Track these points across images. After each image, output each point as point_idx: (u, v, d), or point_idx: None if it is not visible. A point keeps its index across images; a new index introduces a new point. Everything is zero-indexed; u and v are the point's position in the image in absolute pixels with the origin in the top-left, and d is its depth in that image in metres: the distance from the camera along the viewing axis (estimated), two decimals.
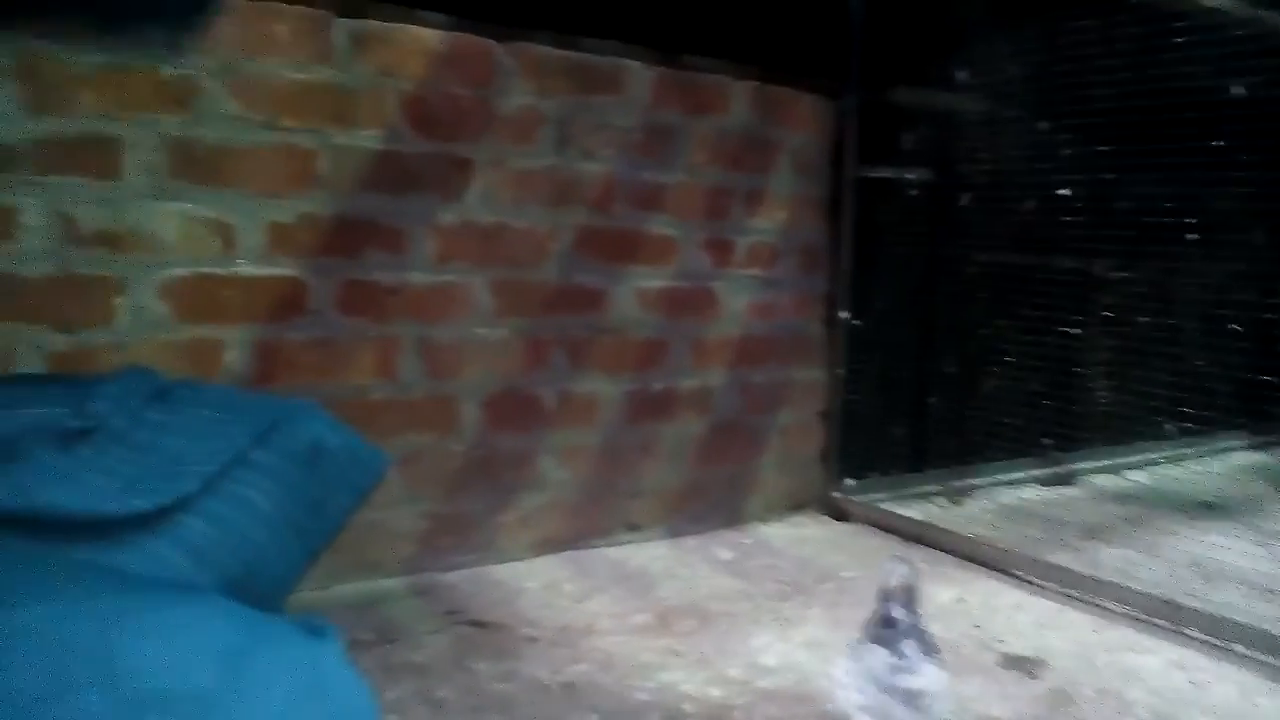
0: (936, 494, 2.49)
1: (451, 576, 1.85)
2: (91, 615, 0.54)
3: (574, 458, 2.00)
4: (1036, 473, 2.66)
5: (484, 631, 1.62)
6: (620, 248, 2.01)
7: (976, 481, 2.56)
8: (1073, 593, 1.90)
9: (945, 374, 2.54)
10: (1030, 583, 1.96)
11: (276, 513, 0.89)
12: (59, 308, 1.49)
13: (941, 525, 2.20)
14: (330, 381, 1.71)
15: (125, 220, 1.53)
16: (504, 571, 1.89)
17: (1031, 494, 2.60)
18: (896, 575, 1.25)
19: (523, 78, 1.86)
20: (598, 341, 2.00)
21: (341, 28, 1.68)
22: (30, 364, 1.46)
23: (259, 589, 0.87)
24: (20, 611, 0.51)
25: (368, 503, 1.20)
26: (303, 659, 0.62)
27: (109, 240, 1.52)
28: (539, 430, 1.95)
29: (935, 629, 1.30)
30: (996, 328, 2.54)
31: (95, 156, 1.50)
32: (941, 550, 2.14)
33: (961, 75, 2.44)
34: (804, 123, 2.25)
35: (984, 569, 2.03)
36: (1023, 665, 1.59)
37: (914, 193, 2.44)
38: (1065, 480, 2.69)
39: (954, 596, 1.89)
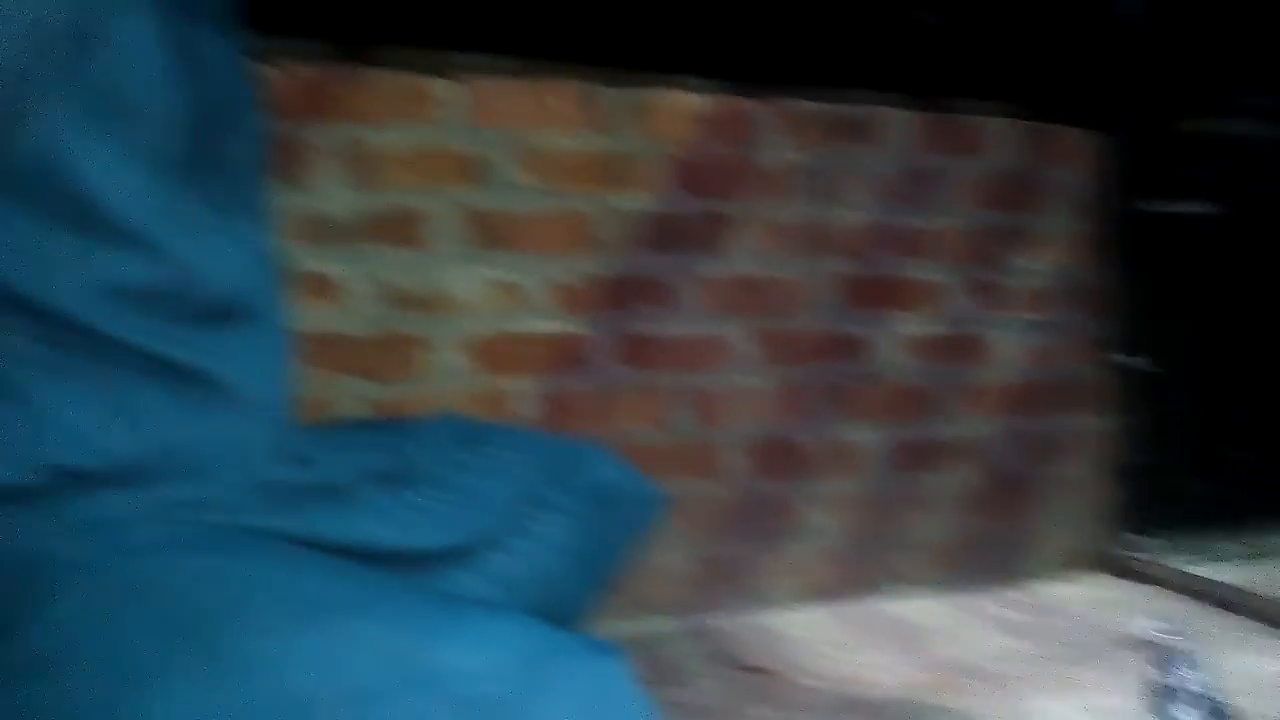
0: (1235, 553, 2.26)
1: (721, 620, 1.88)
2: (413, 625, 0.61)
3: (838, 506, 1.99)
4: None
5: (759, 678, 1.64)
6: (881, 294, 2.01)
7: None
8: None
9: (1242, 421, 2.32)
10: None
11: (571, 548, 0.95)
12: (376, 361, 1.68)
13: (1246, 588, 2.00)
14: (606, 427, 1.81)
15: (431, 284, 1.71)
16: (772, 618, 1.90)
17: None
18: (1160, 635, 1.16)
19: (781, 133, 1.92)
20: (860, 389, 2.00)
21: (614, 98, 1.80)
22: (351, 411, 1.65)
23: (556, 621, 0.93)
24: (355, 621, 0.59)
25: (644, 543, 1.27)
26: (596, 671, 0.66)
27: (418, 302, 1.70)
28: (803, 477, 1.96)
29: (1244, 703, 1.19)
30: None
31: (405, 227, 1.69)
32: (1247, 616, 1.94)
33: (1252, 100, 2.25)
34: (1074, 158, 2.15)
35: None
36: None
37: (1201, 226, 2.27)
38: None
39: (1275, 670, 1.70)
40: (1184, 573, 2.10)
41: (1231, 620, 1.92)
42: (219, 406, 0.74)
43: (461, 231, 1.72)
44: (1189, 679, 1.14)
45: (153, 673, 0.55)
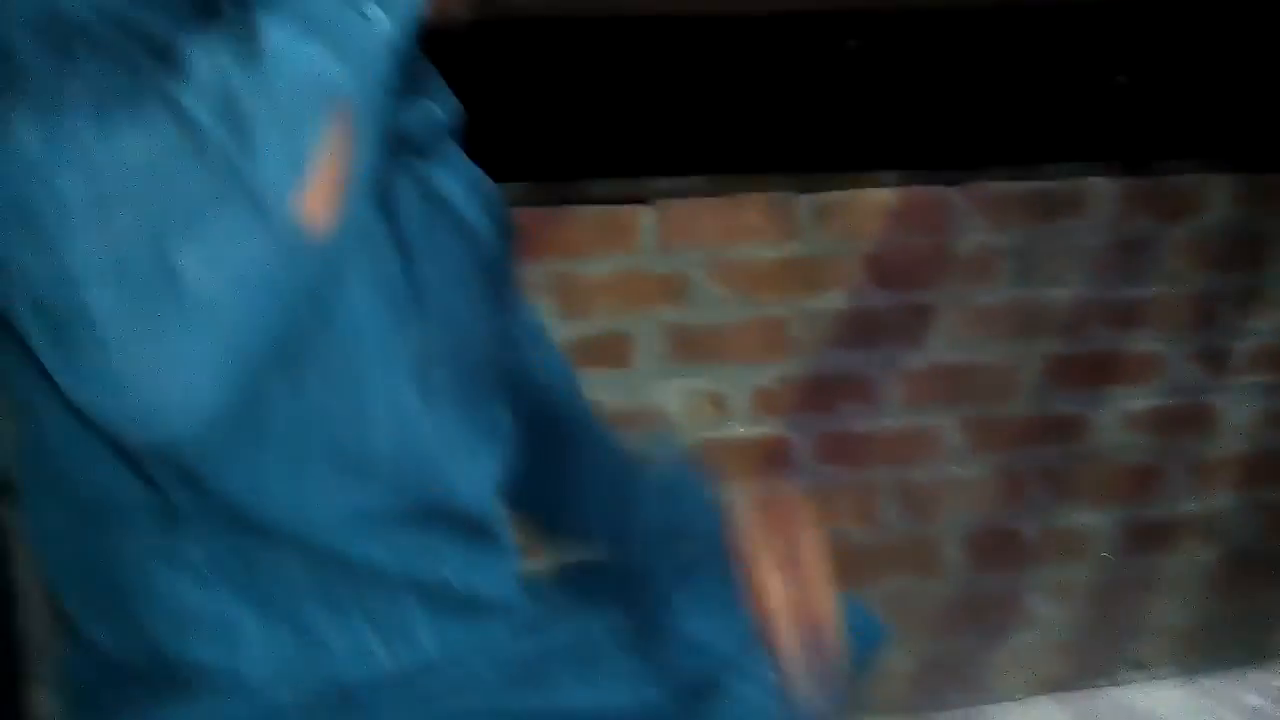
0: None
1: (944, 717, 1.85)
2: None
3: (1065, 593, 1.92)
4: None
5: None
6: (1097, 370, 1.93)
7: None
8: None
9: None
10: None
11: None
12: None
13: None
14: (819, 529, 1.82)
15: (637, 399, 1.79)
16: (998, 711, 1.86)
17: None
18: None
19: (978, 215, 1.89)
20: (1080, 470, 1.92)
21: (804, 204, 1.83)
22: None
23: None
24: None
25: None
26: None
27: (625, 417, 1.78)
28: (1024, 567, 1.90)
29: None
30: None
31: (612, 349, 1.78)
32: None
33: None
34: None
35: None
36: None
37: None
38: None
39: None
40: None
41: None
42: (470, 615, 0.82)
43: (665, 348, 1.79)
44: None
45: None
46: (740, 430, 1.82)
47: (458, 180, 0.90)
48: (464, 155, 0.90)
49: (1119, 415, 1.93)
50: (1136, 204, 1.94)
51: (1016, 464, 1.90)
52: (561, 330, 1.75)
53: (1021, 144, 1.91)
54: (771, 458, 1.82)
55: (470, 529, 0.82)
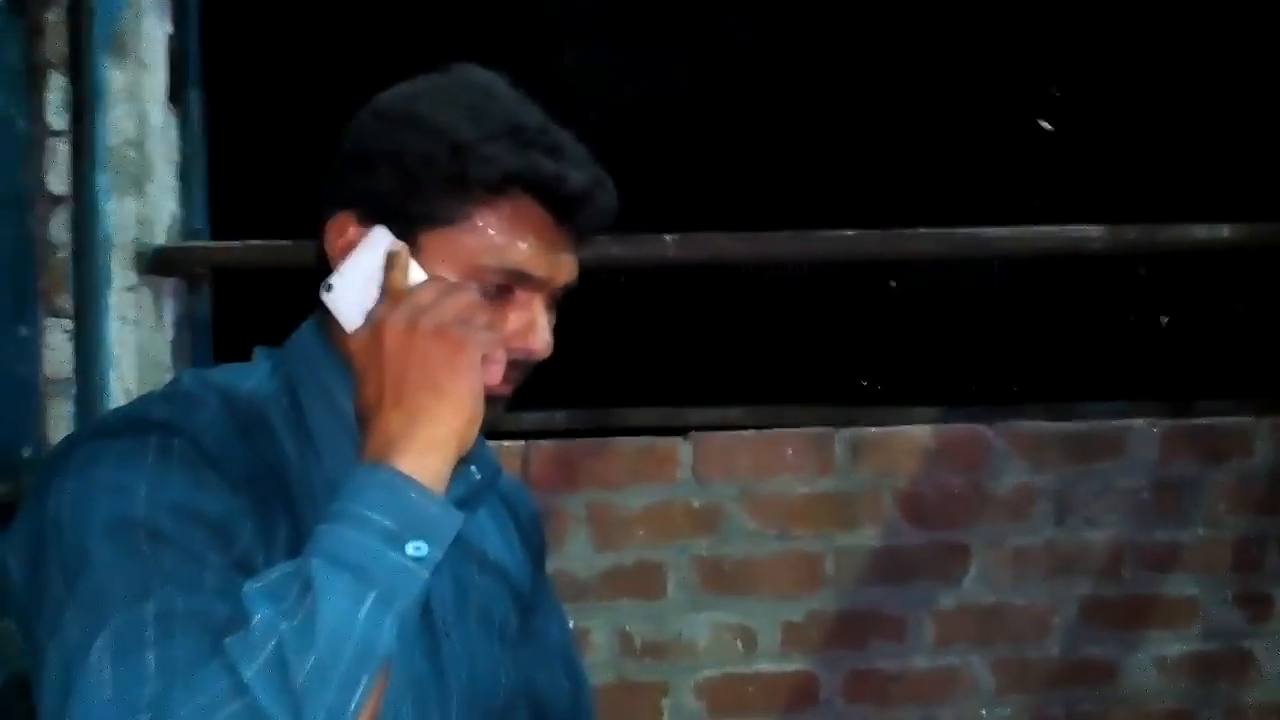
0: None
1: None
2: None
3: None
4: None
5: None
6: (1132, 614, 1.91)
7: None
8: None
9: None
10: None
11: None
12: (616, 708, 1.78)
13: None
14: None
15: (668, 631, 1.80)
16: None
17: None
18: None
19: (1016, 456, 1.89)
20: (1112, 715, 1.90)
21: (842, 439, 1.85)
22: None
23: None
24: None
25: None
26: None
27: (656, 650, 1.80)
28: None
29: None
30: None
31: (644, 580, 1.80)
32: None
33: None
34: None
35: None
36: None
37: None
38: None
39: None
40: None
41: None
42: None
43: (696, 580, 1.81)
44: None
45: None
46: (768, 665, 1.82)
47: (493, 522, 0.94)
48: (505, 481, 0.94)
49: (1152, 660, 1.91)
50: (1178, 446, 1.93)
51: (1045, 705, 1.88)
52: (596, 560, 1.78)
53: (1061, 383, 1.92)
54: (799, 694, 1.83)
55: None
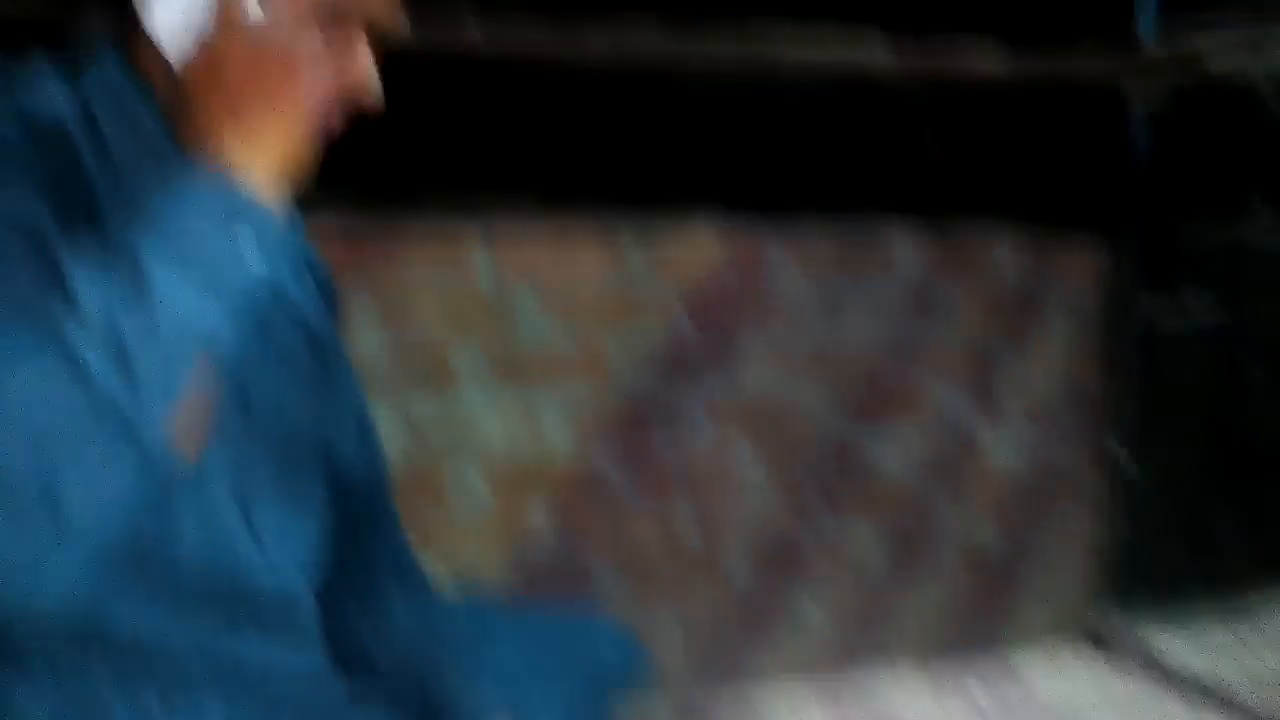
0: (1217, 624, 2.41)
1: (706, 696, 2.08)
2: None
3: (831, 598, 2.16)
4: None
5: None
6: (881, 407, 2.13)
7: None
8: None
9: (1231, 505, 2.43)
10: None
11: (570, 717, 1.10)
12: (403, 496, 1.84)
13: (1209, 670, 2.16)
14: (620, 544, 1.98)
15: (456, 421, 1.86)
16: (763, 697, 2.10)
17: None
18: None
19: (791, 264, 2.02)
20: (858, 495, 2.14)
21: (631, 239, 1.92)
22: None
23: None
24: None
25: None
26: None
27: (444, 440, 1.86)
28: (798, 575, 2.13)
29: None
30: None
31: (433, 370, 1.84)
32: (1208, 699, 2.10)
33: (1264, 208, 2.30)
34: (1078, 272, 2.23)
35: None
36: None
37: (1204, 337, 2.35)
38: None
39: None
40: (1164, 654, 2.26)
41: (1195, 701, 2.09)
42: (265, 696, 0.88)
43: (484, 370, 1.87)
44: None
45: None
46: (555, 456, 1.93)
47: (289, 265, 0.95)
48: (296, 232, 0.93)
49: (895, 448, 2.16)
50: (931, 258, 2.12)
51: (801, 487, 2.10)
52: (383, 350, 1.81)
53: (835, 194, 2.04)
54: (583, 484, 1.95)
55: (271, 611, 0.88)
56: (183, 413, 0.68)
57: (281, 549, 0.89)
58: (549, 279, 1.88)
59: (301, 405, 0.91)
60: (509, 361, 1.88)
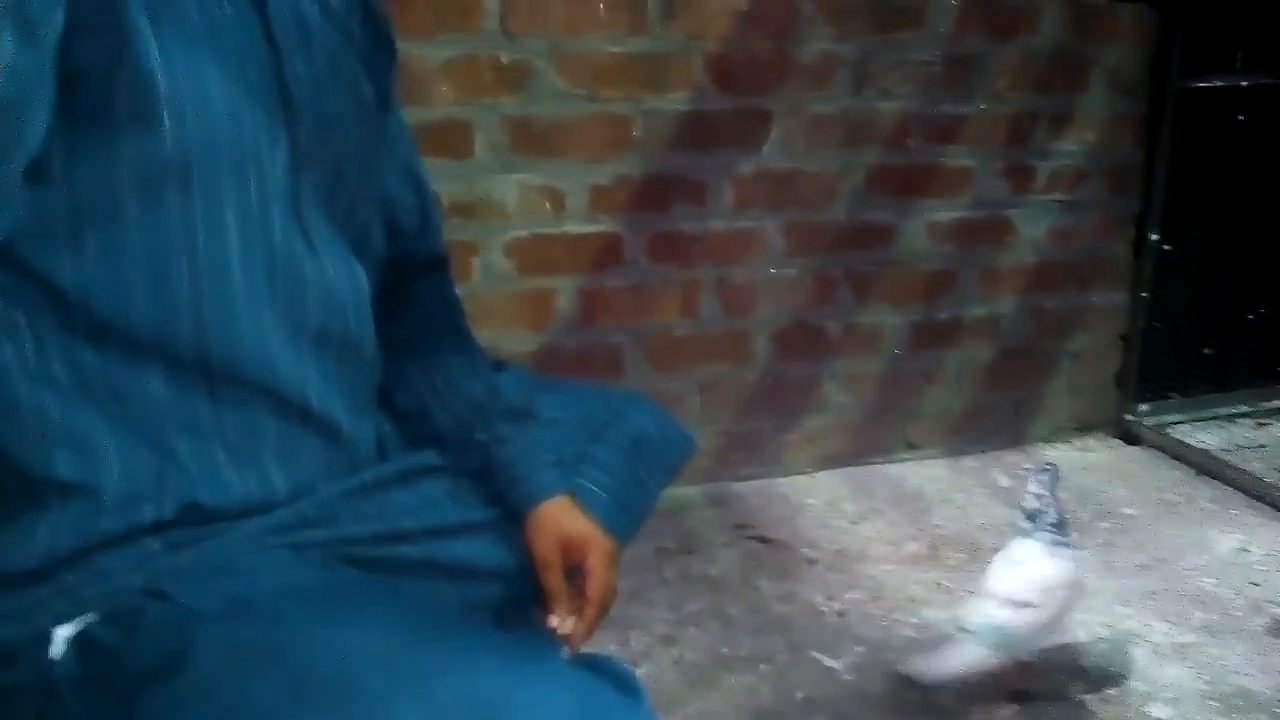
0: (1243, 417, 2.40)
1: (741, 487, 2.08)
2: (485, 686, 0.66)
3: (856, 383, 2.14)
4: None
5: (769, 549, 1.86)
6: (913, 183, 2.05)
7: None
8: None
9: (1260, 290, 2.38)
10: None
11: (611, 499, 1.08)
12: None
13: (1236, 460, 2.15)
14: (641, 321, 1.94)
15: (476, 191, 1.80)
16: (788, 485, 2.10)
17: None
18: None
19: (822, 24, 1.91)
20: (884, 275, 2.09)
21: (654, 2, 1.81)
22: None
23: None
24: (440, 683, 0.65)
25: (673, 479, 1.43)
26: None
27: (465, 210, 1.80)
28: (824, 359, 2.10)
29: (1206, 583, 1.40)
30: None
31: (451, 139, 1.77)
32: (1234, 487, 2.10)
33: None
34: (1122, 35, 2.11)
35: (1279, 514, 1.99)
36: None
37: (1246, 103, 2.24)
38: None
39: (1235, 545, 1.88)
40: (1182, 441, 2.25)
41: (1221, 491, 2.09)
42: (322, 441, 0.85)
43: (505, 141, 1.79)
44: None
45: None
46: (575, 227, 1.87)
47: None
48: None
49: (925, 225, 2.09)
50: (971, 21, 2.00)
51: (827, 267, 2.04)
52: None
53: None
54: (604, 254, 1.90)
55: (337, 347, 0.85)
56: None
57: (339, 275, 0.85)
58: (567, 41, 1.78)
59: (347, 124, 0.84)
60: (527, 131, 1.80)
